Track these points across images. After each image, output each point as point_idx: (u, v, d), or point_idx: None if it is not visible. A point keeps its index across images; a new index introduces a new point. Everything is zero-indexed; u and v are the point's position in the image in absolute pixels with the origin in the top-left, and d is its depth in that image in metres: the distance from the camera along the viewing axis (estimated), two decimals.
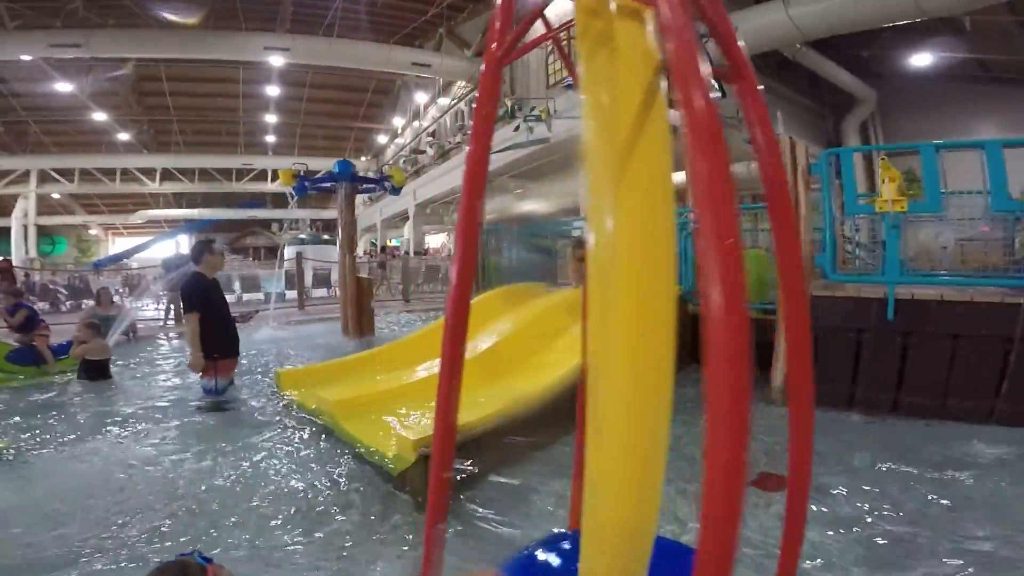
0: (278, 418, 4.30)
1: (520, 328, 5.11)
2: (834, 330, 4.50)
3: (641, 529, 0.68)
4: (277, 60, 17.98)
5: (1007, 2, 9.95)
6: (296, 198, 8.65)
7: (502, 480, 3.14)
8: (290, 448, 3.66)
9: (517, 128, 11.44)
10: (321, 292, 14.75)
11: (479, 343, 4.87)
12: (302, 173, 7.76)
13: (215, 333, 4.47)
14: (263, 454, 3.55)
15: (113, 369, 5.85)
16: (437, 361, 3.64)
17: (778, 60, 14.10)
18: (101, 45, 15.78)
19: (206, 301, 4.40)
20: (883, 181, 4.45)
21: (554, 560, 1.12)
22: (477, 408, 3.38)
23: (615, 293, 0.69)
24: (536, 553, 1.13)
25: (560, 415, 3.90)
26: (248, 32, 17.34)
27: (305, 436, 3.87)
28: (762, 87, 0.95)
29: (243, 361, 6.09)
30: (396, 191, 8.64)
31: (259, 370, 5.99)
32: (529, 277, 7.33)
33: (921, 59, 13.12)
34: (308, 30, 17.90)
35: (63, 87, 20.74)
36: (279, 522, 2.71)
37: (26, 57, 16.70)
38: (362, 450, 3.40)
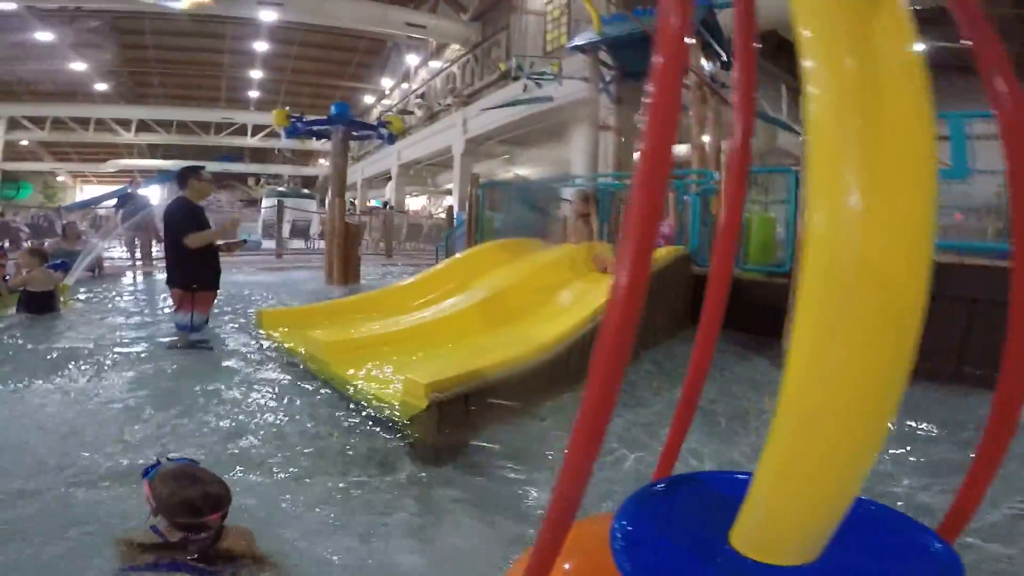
0: (260, 360, 3.78)
1: (523, 279, 4.68)
2: None
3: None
4: (269, 15, 16.68)
5: None
6: (285, 138, 7.95)
7: (519, 433, 2.74)
8: (273, 393, 3.15)
9: (526, 88, 10.80)
10: (299, 244, 14.00)
11: (482, 290, 4.44)
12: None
13: (196, 262, 3.92)
14: (243, 399, 3.03)
15: (78, 304, 5.19)
16: (434, 308, 3.24)
17: (776, 41, 13.68)
18: None
19: (197, 225, 3.91)
20: None
21: (675, 502, 0.97)
22: (490, 354, 2.96)
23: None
24: (652, 495, 0.98)
25: (571, 367, 3.55)
26: None
27: (290, 380, 3.36)
28: None
29: (218, 300, 5.55)
30: (392, 139, 8.01)
31: (235, 310, 5.39)
32: (524, 235, 6.91)
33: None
34: None
35: (44, 36, 19.00)
36: (261, 477, 2.22)
37: (10, 6, 15.05)
38: (358, 397, 2.95)
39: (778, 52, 14.18)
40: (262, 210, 17.31)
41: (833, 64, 0.65)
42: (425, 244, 13.84)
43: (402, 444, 2.53)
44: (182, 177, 4.03)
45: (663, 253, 4.90)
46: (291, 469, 2.28)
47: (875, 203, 0.59)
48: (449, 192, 19.72)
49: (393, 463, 2.37)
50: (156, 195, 15.98)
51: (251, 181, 32.03)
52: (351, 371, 3.20)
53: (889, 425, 0.64)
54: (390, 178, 21.71)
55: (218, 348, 4.04)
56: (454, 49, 19.57)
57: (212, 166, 29.32)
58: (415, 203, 26.26)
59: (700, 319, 1.11)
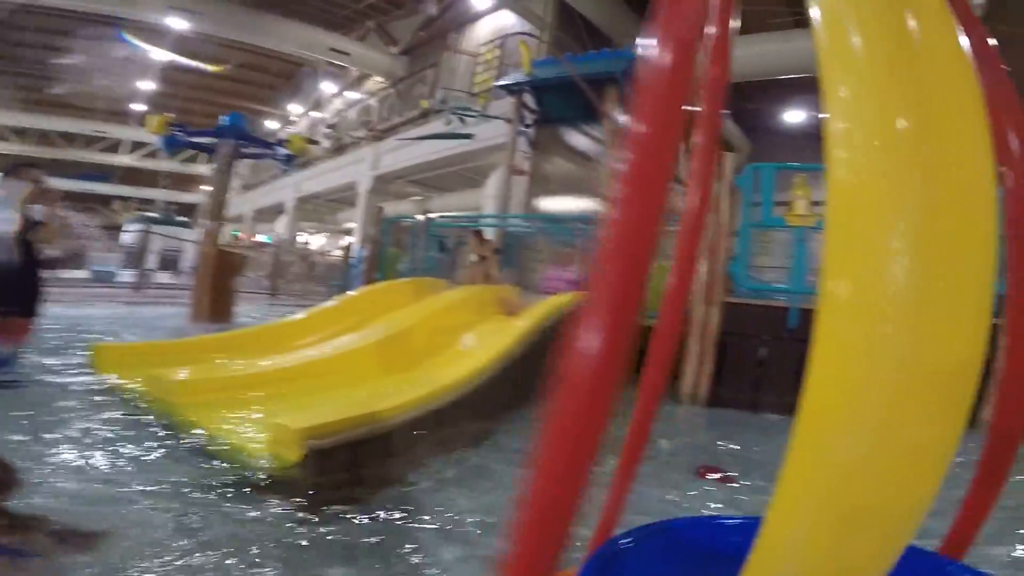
0: (90, 402, 3.11)
1: (426, 318, 4.42)
2: (741, 336, 4.49)
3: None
4: (178, 23, 15.49)
5: None
6: (167, 151, 7.10)
7: (429, 481, 2.42)
8: (102, 440, 2.57)
9: (449, 123, 10.83)
10: (166, 279, 12.59)
11: (380, 329, 4.11)
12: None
13: (6, 281, 3.24)
14: (62, 448, 2.44)
15: None
16: (323, 348, 2.88)
17: None
18: None
19: None
20: (796, 198, 4.63)
21: (648, 556, 0.88)
22: (390, 397, 2.66)
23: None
24: (619, 551, 0.88)
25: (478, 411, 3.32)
26: None
27: (126, 426, 2.77)
28: None
29: (50, 335, 4.67)
30: (288, 161, 7.50)
31: (70, 347, 4.53)
32: (429, 273, 6.71)
33: (793, 116, 14.83)
34: None
35: None
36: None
37: None
38: (213, 445, 2.49)
39: None
40: (123, 235, 15.46)
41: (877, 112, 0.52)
42: (318, 285, 13.01)
43: (270, 507, 2.10)
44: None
45: (567, 298, 4.91)
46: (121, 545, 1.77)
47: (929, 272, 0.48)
48: (349, 231, 19.03)
49: (256, 531, 1.95)
50: None
51: (116, 205, 28.86)
52: (206, 415, 2.71)
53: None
54: (283, 212, 20.58)
55: (37, 389, 3.31)
56: (375, 81, 19.37)
57: (68, 184, 26.28)
58: (315, 241, 25.04)
59: (644, 373, 1.10)
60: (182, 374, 3.03)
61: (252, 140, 6.89)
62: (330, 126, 20.23)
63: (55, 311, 6.25)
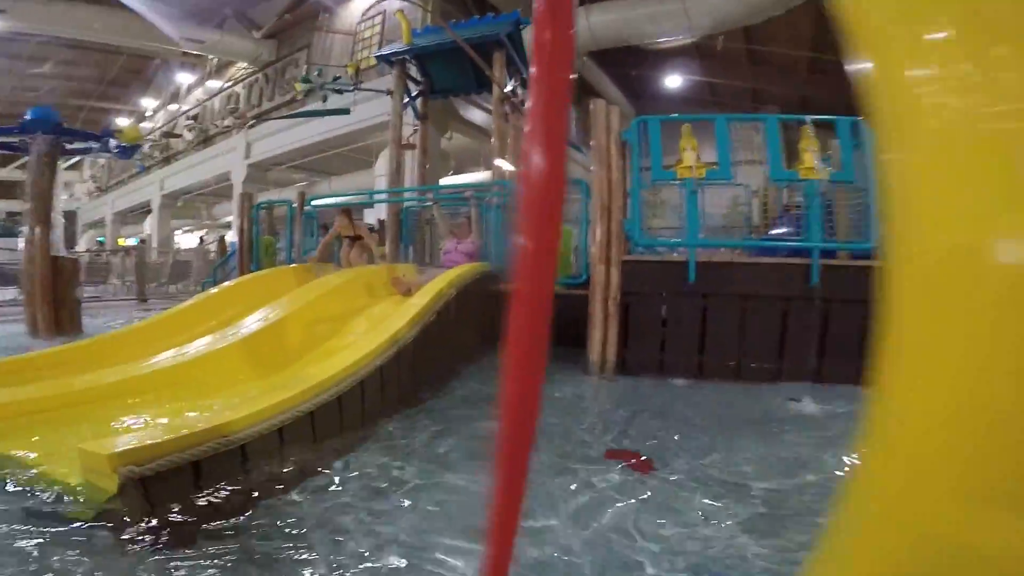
0: None
1: (306, 307, 3.92)
2: (642, 295, 4.43)
3: None
4: None
5: (744, 28, 12.02)
6: None
7: (297, 500, 2.01)
8: None
9: (325, 99, 9.93)
10: (7, 295, 10.74)
11: (249, 325, 3.57)
12: None
13: None
14: None
15: None
16: (175, 353, 2.34)
17: None
18: None
19: None
20: (683, 149, 4.57)
21: None
22: (247, 404, 2.21)
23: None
24: None
25: (366, 405, 2.93)
26: None
27: None
28: None
29: None
30: (128, 152, 6.47)
31: None
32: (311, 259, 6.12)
33: (673, 80, 15.41)
34: None
35: None
36: None
37: None
38: (21, 479, 1.94)
39: None
40: None
41: None
42: (195, 286, 11.72)
43: (91, 548, 1.62)
44: None
45: (466, 270, 4.61)
46: None
47: None
48: (229, 226, 17.38)
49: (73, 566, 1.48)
50: None
51: None
52: (13, 443, 2.14)
53: None
54: (150, 212, 18.37)
55: None
56: (240, 67, 17.53)
57: None
58: (188, 240, 22.64)
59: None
60: None
61: (69, 132, 5.85)
62: (192, 117, 18.14)
63: None
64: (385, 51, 8.38)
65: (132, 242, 19.44)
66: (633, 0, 11.24)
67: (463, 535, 1.75)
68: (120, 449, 1.65)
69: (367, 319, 4.16)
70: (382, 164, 11.80)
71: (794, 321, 4.26)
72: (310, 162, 15.17)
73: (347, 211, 5.62)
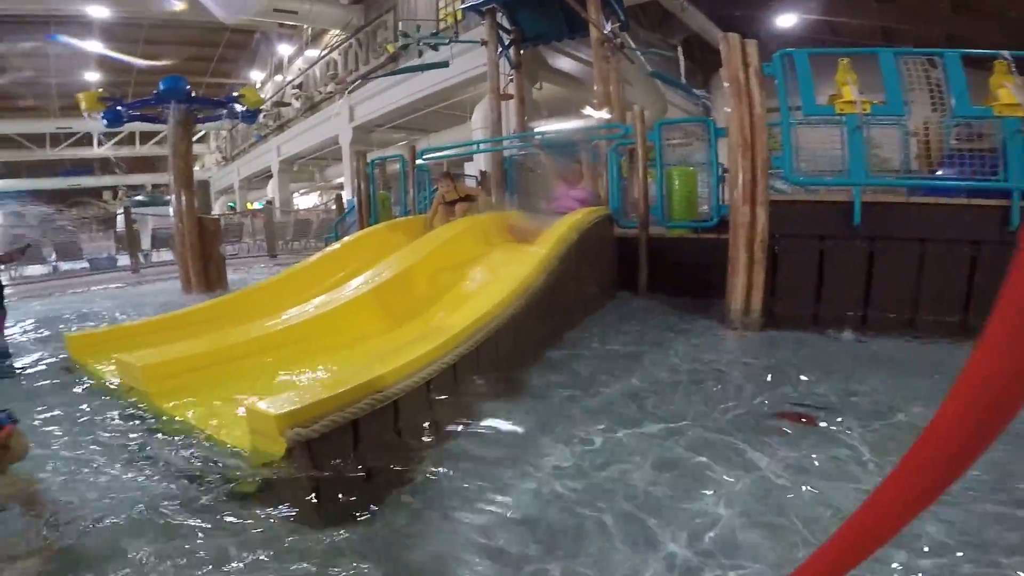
0: (57, 394, 2.54)
1: (427, 257, 3.76)
2: (795, 238, 3.80)
3: None
4: (99, 11, 13.93)
5: None
6: (108, 127, 6.22)
7: (435, 461, 1.83)
8: (63, 442, 2.00)
9: (421, 54, 9.72)
10: (165, 256, 11.95)
11: (374, 277, 3.46)
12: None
13: None
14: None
15: None
16: (309, 306, 2.20)
17: (658, 13, 13.76)
18: None
19: None
20: (844, 83, 3.87)
21: None
22: (394, 357, 2.03)
23: None
24: None
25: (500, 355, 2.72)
26: None
27: (90, 422, 2.19)
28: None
29: (29, 328, 4.11)
30: (251, 117, 6.63)
31: (56, 337, 3.96)
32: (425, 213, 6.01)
33: (786, 20, 13.48)
34: None
35: None
36: None
37: None
38: (188, 439, 1.91)
39: (664, 21, 14.41)
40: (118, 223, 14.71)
41: None
42: (316, 242, 12.36)
43: (259, 514, 1.53)
44: None
45: (584, 215, 4.21)
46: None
47: None
48: (341, 186, 18.08)
49: (246, 546, 1.38)
50: None
51: (107, 195, 27.73)
52: (179, 403, 2.14)
53: None
54: (271, 176, 19.55)
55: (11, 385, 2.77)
56: (334, 34, 17.79)
57: (56, 182, 25.15)
58: (305, 201, 24.01)
59: None
60: (147, 357, 2.42)
61: (199, 100, 6.04)
62: (297, 86, 18.74)
63: (51, 305, 5.74)
64: (474, 1, 7.88)
65: (258, 205, 20.96)
66: None
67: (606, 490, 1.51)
68: (287, 409, 1.50)
69: (487, 267, 3.93)
70: (478, 117, 11.49)
71: (985, 269, 3.48)
72: (409, 121, 15.18)
73: (449, 175, 5.35)
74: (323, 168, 20.65)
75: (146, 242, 12.16)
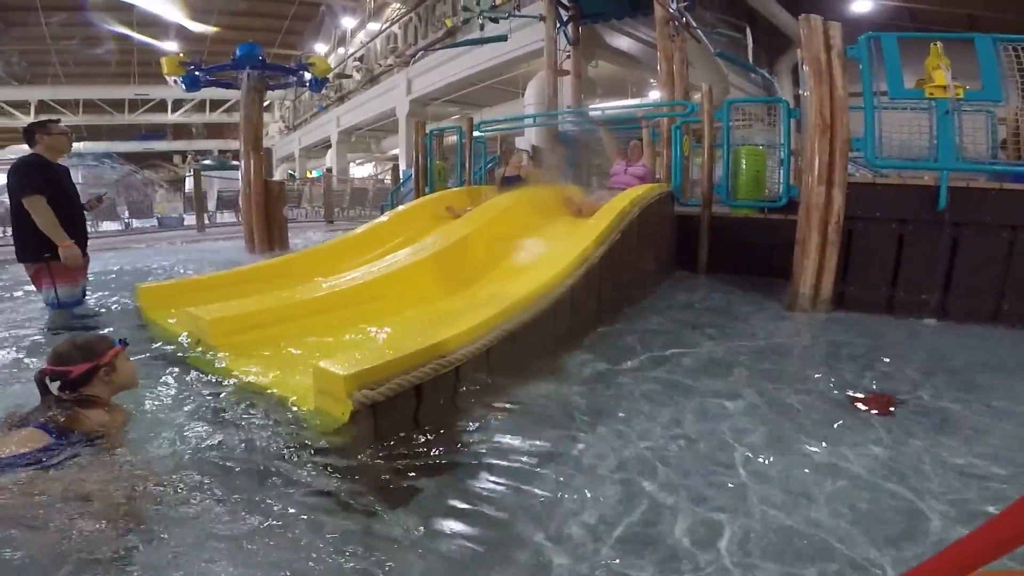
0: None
1: (483, 226, 3.66)
2: (873, 220, 3.50)
3: None
4: None
5: None
6: (187, 89, 6.31)
7: (497, 431, 1.74)
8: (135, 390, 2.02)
9: (483, 27, 9.47)
10: (229, 218, 12.38)
11: (433, 242, 3.39)
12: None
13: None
14: None
15: None
16: (370, 268, 2.13)
17: None
18: None
19: (50, 181, 2.95)
20: (936, 67, 3.50)
21: None
22: (449, 323, 1.95)
23: None
24: None
25: (559, 328, 2.61)
26: None
27: (158, 376, 2.15)
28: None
29: (108, 279, 4.27)
30: (318, 85, 6.62)
31: (124, 289, 4.10)
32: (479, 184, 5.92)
33: (861, 5, 12.47)
34: None
35: None
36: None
37: None
38: (255, 395, 1.90)
39: (730, 1, 13.56)
40: (186, 185, 15.36)
41: None
42: (371, 210, 12.51)
43: (321, 470, 1.47)
44: (28, 133, 3.06)
45: (645, 191, 4.00)
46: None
47: None
48: (395, 158, 18.20)
49: (309, 504, 1.34)
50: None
51: (176, 159, 29.00)
52: (245, 358, 2.13)
53: None
54: (330, 146, 19.87)
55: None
56: (394, 8, 17.70)
57: (132, 145, 26.45)
58: (361, 171, 24.34)
59: None
60: (214, 311, 2.43)
61: (272, 67, 6.07)
62: (358, 59, 18.81)
63: (123, 259, 6.01)
64: None
65: (316, 173, 21.42)
66: None
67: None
68: (354, 371, 1.44)
69: (543, 238, 3.81)
70: (531, 93, 11.20)
71: None
72: (463, 95, 15.02)
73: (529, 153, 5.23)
74: (379, 140, 20.83)
75: (211, 204, 12.61)
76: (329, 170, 15.71)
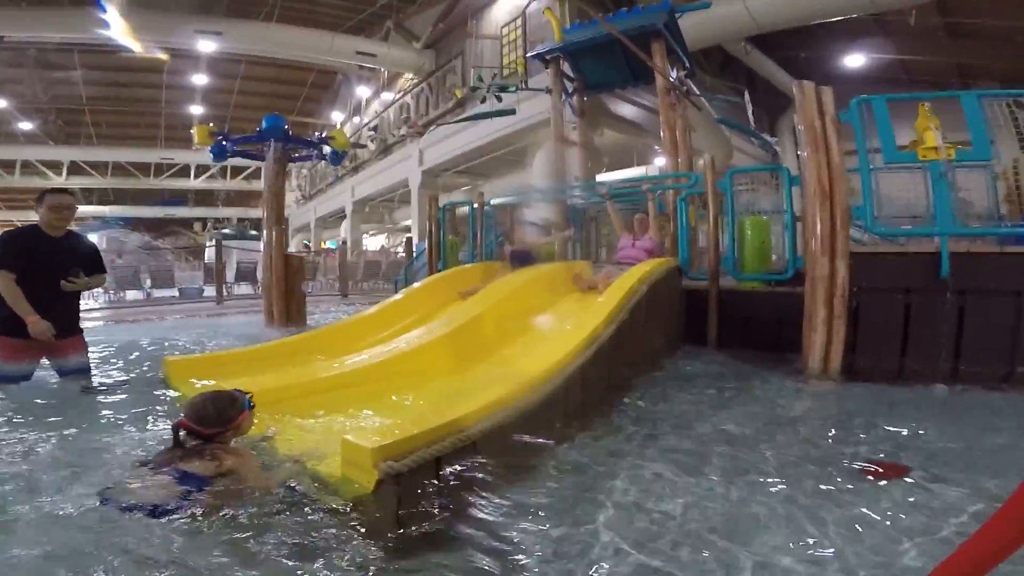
0: (150, 420, 2.73)
1: (497, 303, 3.90)
2: (878, 291, 3.67)
3: None
4: (208, 45, 15.83)
5: (936, 1, 10.03)
6: (215, 160, 6.83)
7: (517, 503, 1.87)
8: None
9: (483, 100, 10.21)
10: (246, 290, 12.82)
11: (449, 320, 3.62)
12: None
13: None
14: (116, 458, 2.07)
15: None
16: (389, 346, 2.26)
17: (721, 58, 13.89)
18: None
19: (24, 254, 3.00)
20: (926, 128, 3.78)
21: None
22: (467, 398, 2.13)
23: None
24: None
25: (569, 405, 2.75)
26: (177, 13, 15.05)
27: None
28: None
29: (132, 355, 4.51)
30: (338, 158, 7.14)
31: (147, 362, 4.32)
32: (491, 259, 6.21)
33: (854, 60, 13.22)
34: (245, 15, 15.86)
35: None
36: None
37: None
38: (282, 463, 2.07)
39: (727, 65, 14.45)
40: (206, 253, 16.05)
41: None
42: (384, 283, 12.91)
43: (343, 544, 1.62)
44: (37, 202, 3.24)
45: (653, 266, 4.23)
46: None
47: None
48: (407, 229, 18.91)
49: (337, 563, 1.48)
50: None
51: (196, 227, 30.36)
52: (270, 431, 2.31)
53: None
54: (344, 216, 20.74)
55: (108, 400, 3.06)
56: (407, 79, 19.10)
57: (154, 211, 27.78)
58: (374, 243, 25.20)
59: None
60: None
61: (295, 140, 6.59)
62: (372, 128, 20.07)
63: (146, 332, 6.30)
64: (539, 50, 8.27)
65: (330, 244, 22.23)
66: None
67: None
68: (380, 444, 1.62)
69: (553, 315, 4.03)
70: (538, 163, 11.78)
71: None
72: (472, 166, 15.82)
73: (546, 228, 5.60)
74: (392, 211, 21.69)
75: (230, 275, 13.12)
76: (344, 242, 16.37)
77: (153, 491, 1.61)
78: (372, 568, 1.48)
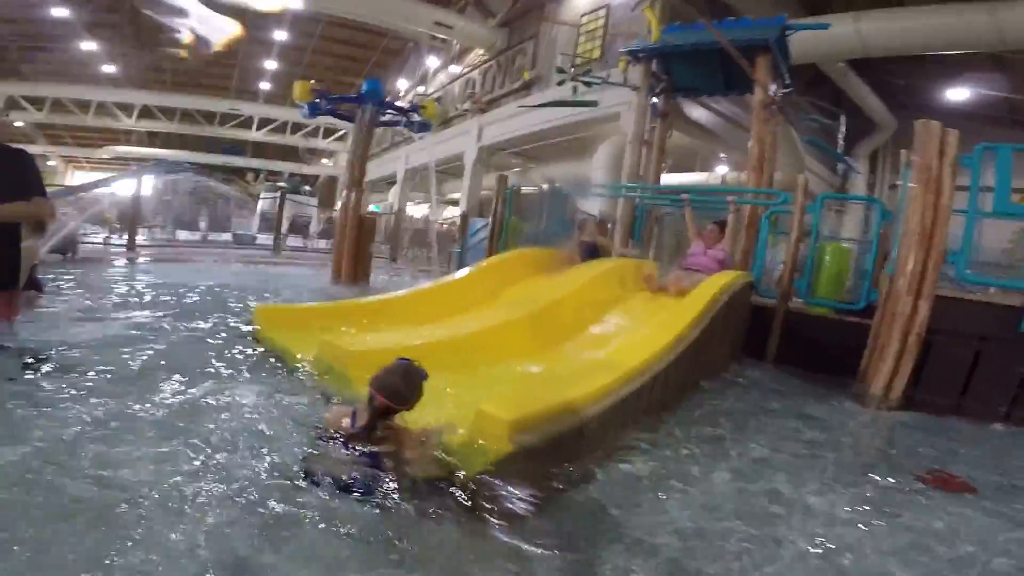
0: (254, 368, 2.87)
1: (571, 293, 4.05)
2: (955, 334, 3.72)
3: None
4: (296, 2, 16.17)
5: None
6: (309, 114, 6.90)
7: (617, 485, 2.04)
8: (267, 419, 2.20)
9: (575, 90, 10.15)
10: (296, 242, 13.30)
11: (526, 303, 3.80)
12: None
13: None
14: (221, 423, 2.12)
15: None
16: (470, 320, 1.83)
17: (811, 74, 13.49)
18: None
19: None
20: None
21: None
22: (585, 382, 2.28)
23: None
24: None
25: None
26: None
27: (296, 401, 2.46)
28: None
29: (202, 296, 4.74)
30: (424, 127, 7.28)
31: (226, 308, 4.52)
32: (552, 245, 6.32)
33: (958, 94, 12.63)
34: None
35: (59, 12, 18.33)
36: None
37: None
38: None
39: (815, 83, 14.02)
40: (260, 203, 16.64)
41: None
42: (429, 251, 13.18)
43: (480, 517, 1.68)
44: None
45: (733, 278, 4.30)
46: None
47: None
48: (455, 202, 19.10)
49: (465, 545, 1.61)
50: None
51: (250, 177, 31.24)
52: None
53: None
54: (394, 183, 21.08)
55: (186, 352, 3.07)
56: (477, 54, 19.17)
57: (214, 158, 28.67)
58: (418, 211, 25.57)
59: None
60: (351, 342, 2.87)
61: (389, 107, 6.77)
62: (436, 100, 20.25)
63: (205, 271, 6.61)
64: (636, 46, 8.20)
65: (373, 208, 22.60)
66: (920, 9, 9.43)
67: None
68: (513, 415, 1.80)
69: (625, 311, 4.16)
70: (601, 156, 11.71)
71: None
72: (528, 149, 15.83)
73: (604, 224, 5.69)
74: (441, 183, 21.89)
75: (284, 226, 13.58)
76: (396, 208, 16.69)
77: (346, 467, 1.68)
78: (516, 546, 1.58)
